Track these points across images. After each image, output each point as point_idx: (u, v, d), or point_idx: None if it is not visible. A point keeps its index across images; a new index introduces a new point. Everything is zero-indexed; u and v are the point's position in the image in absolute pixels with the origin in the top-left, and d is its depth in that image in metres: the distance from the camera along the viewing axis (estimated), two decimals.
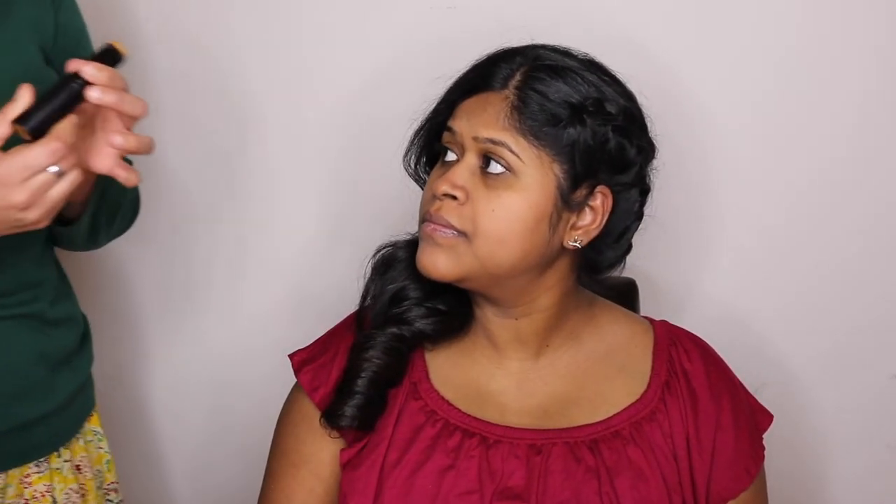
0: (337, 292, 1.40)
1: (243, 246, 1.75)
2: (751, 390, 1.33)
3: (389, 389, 1.26)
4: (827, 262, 1.67)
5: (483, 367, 1.28)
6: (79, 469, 1.39)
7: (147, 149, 1.15)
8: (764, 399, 1.34)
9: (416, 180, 1.31)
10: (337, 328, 1.34)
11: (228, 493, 1.80)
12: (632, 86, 1.25)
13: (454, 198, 1.18)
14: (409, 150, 1.30)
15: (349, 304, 1.32)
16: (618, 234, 1.25)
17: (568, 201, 1.19)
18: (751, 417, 1.29)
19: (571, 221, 1.21)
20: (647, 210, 1.27)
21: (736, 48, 1.61)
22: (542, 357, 1.27)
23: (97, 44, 1.23)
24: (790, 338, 1.69)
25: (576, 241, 1.21)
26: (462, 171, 1.19)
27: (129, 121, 1.14)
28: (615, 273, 1.35)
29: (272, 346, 1.49)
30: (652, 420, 1.24)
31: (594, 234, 1.22)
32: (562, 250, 1.22)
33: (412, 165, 1.30)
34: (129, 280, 1.78)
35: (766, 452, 1.30)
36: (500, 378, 1.27)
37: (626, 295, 1.54)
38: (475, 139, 1.19)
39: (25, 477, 1.34)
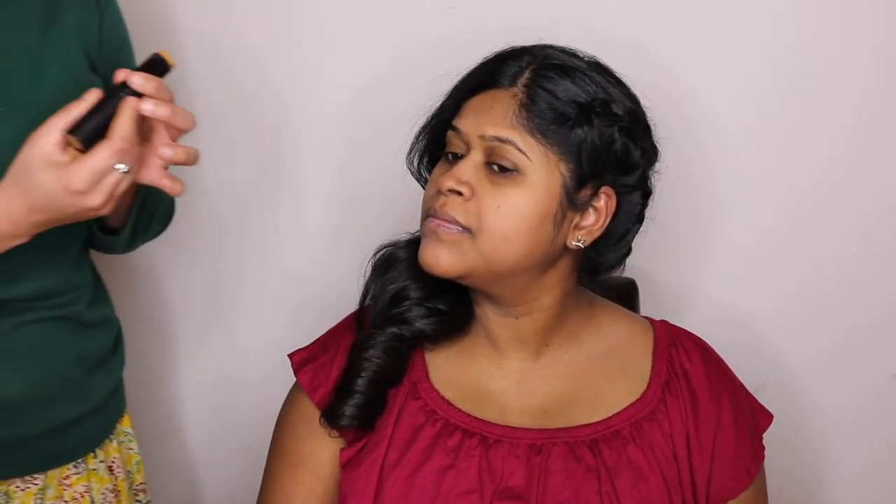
0: (337, 292, 1.40)
1: (246, 247, 1.75)
2: (751, 390, 1.34)
3: (389, 389, 1.26)
4: (827, 263, 1.67)
5: (483, 367, 1.28)
6: (111, 470, 1.40)
7: (194, 160, 1.16)
8: (764, 399, 1.34)
9: (417, 179, 1.31)
10: (337, 328, 1.34)
11: (228, 493, 1.80)
12: (633, 87, 1.25)
13: (459, 193, 1.18)
14: (412, 147, 1.29)
15: (349, 303, 1.32)
16: (619, 236, 1.25)
17: (573, 201, 1.19)
18: (751, 417, 1.30)
19: (575, 221, 1.21)
20: (648, 212, 1.27)
21: (736, 49, 1.61)
22: (542, 357, 1.27)
23: None
24: (790, 338, 1.69)
25: (579, 241, 1.21)
26: (468, 167, 1.19)
27: (177, 133, 1.15)
28: (615, 274, 1.36)
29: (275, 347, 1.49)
30: (652, 420, 1.24)
31: (597, 234, 1.22)
32: (564, 250, 1.22)
33: (415, 164, 1.30)
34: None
35: (766, 452, 1.30)
36: (500, 378, 1.27)
37: (627, 295, 1.54)
38: (482, 137, 1.18)
39: (65, 479, 1.35)
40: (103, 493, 1.38)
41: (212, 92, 1.68)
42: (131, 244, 1.35)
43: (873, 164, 1.63)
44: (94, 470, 1.37)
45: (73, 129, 1.09)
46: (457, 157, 1.21)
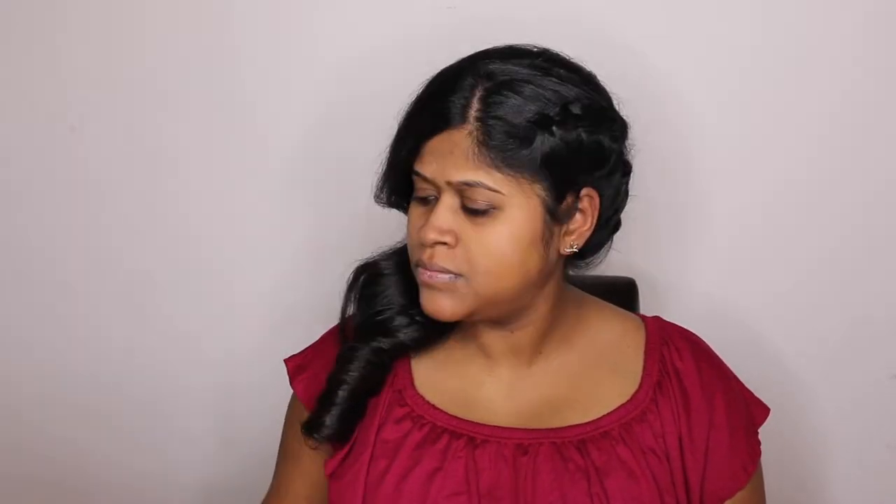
0: (329, 300, 1.39)
1: (237, 252, 1.75)
2: (749, 388, 1.33)
3: (370, 399, 1.27)
4: (828, 263, 1.66)
5: (473, 375, 1.27)
6: None
7: None
8: (763, 398, 1.34)
9: (396, 208, 1.27)
10: (328, 335, 1.34)
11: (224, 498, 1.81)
12: (625, 88, 1.23)
13: (444, 243, 1.16)
14: (380, 188, 1.25)
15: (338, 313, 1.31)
16: (606, 219, 1.23)
17: (556, 215, 1.18)
18: (746, 413, 1.28)
19: (564, 230, 1.20)
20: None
21: (718, 44, 1.60)
22: (535, 364, 1.27)
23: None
24: (790, 337, 1.68)
25: (572, 247, 1.21)
26: (445, 213, 1.16)
27: None
28: (615, 274, 1.35)
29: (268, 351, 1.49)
30: (642, 420, 1.23)
31: (589, 233, 1.21)
32: (559, 258, 1.22)
33: (385, 200, 1.25)
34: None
35: (765, 451, 1.29)
36: (490, 385, 1.27)
37: (626, 295, 1.55)
38: (449, 183, 1.15)
39: None
40: None
41: (199, 100, 1.68)
42: None
43: (864, 153, 1.62)
44: None
45: None
46: (429, 200, 1.19)
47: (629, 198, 1.25)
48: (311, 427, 1.26)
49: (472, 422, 1.24)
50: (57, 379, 1.80)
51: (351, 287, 1.29)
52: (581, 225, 1.21)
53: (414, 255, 1.20)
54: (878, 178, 1.63)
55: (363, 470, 1.23)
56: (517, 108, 1.14)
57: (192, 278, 1.76)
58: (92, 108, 1.72)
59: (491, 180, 1.14)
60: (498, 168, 1.14)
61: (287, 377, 1.33)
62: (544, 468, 1.21)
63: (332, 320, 1.33)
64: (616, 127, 1.20)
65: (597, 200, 1.20)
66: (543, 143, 1.14)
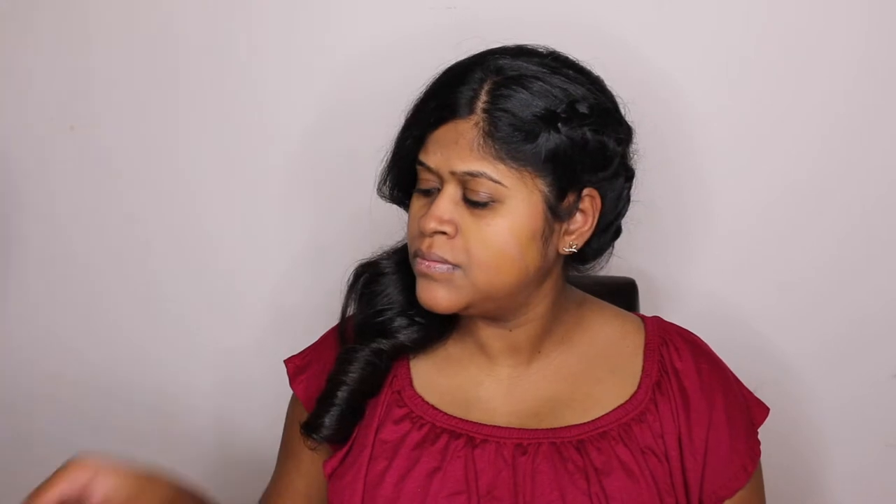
0: (329, 300, 1.39)
1: (237, 252, 1.75)
2: (751, 388, 1.33)
3: (368, 399, 1.27)
4: (828, 263, 1.66)
5: (472, 375, 1.27)
6: None
7: None
8: (763, 397, 1.33)
9: (397, 204, 1.28)
10: (327, 336, 1.34)
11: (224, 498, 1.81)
12: (626, 89, 1.23)
13: (443, 233, 1.17)
14: (383, 180, 1.26)
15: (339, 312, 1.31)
16: (608, 224, 1.24)
17: (557, 212, 1.18)
18: (746, 413, 1.28)
19: (564, 229, 1.20)
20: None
21: (721, 44, 1.61)
22: (534, 363, 1.27)
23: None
24: (790, 336, 1.69)
25: (571, 247, 1.21)
26: (446, 203, 1.16)
27: None
28: (615, 275, 1.35)
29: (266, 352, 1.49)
30: (641, 421, 1.23)
31: (588, 235, 1.21)
32: (557, 257, 1.22)
33: (387, 194, 1.26)
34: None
35: (765, 451, 1.29)
36: (489, 385, 1.27)
37: (627, 295, 1.55)
38: (453, 173, 1.16)
39: None
40: None
41: (203, 101, 1.68)
42: None
43: (865, 153, 1.62)
44: None
45: None
46: (431, 192, 1.19)
47: (631, 203, 1.26)
48: (310, 427, 1.26)
49: (472, 422, 1.24)
50: (56, 379, 1.80)
51: (351, 287, 1.29)
52: (581, 225, 1.21)
53: (413, 246, 1.21)
54: (879, 178, 1.63)
55: (362, 470, 1.24)
56: (525, 102, 1.15)
57: (192, 278, 1.76)
58: (92, 108, 1.72)
59: (495, 172, 1.14)
60: (502, 160, 1.14)
61: (280, 385, 1.34)
62: (543, 468, 1.21)
63: (332, 320, 1.32)
64: (621, 130, 1.21)
65: (598, 202, 1.20)
66: (549, 138, 1.15)
